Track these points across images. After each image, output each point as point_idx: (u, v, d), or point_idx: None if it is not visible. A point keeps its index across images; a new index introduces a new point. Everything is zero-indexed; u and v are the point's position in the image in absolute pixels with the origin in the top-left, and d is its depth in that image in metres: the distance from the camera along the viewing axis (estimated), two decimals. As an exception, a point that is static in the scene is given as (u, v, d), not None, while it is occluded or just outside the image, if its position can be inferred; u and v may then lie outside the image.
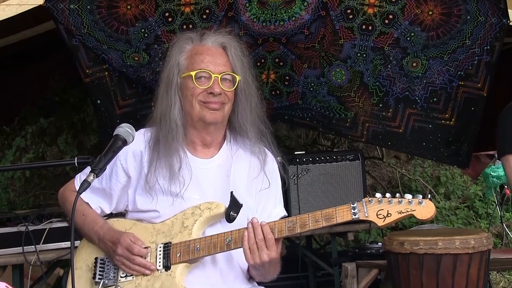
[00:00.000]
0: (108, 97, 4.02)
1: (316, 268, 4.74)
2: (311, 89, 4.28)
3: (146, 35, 3.82)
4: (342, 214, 2.43)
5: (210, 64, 2.59)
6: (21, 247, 3.79)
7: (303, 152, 4.55)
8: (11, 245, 3.87)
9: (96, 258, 2.64)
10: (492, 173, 4.91)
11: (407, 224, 6.10)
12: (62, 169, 6.50)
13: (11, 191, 6.60)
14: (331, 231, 4.37)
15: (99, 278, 2.60)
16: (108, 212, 2.73)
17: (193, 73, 2.58)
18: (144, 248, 2.55)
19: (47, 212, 3.99)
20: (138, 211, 2.65)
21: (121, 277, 2.59)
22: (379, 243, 3.79)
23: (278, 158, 2.80)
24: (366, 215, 2.42)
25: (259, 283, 2.74)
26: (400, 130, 4.26)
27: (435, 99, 4.12)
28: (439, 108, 4.14)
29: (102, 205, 2.71)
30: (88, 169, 2.40)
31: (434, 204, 2.48)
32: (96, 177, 2.28)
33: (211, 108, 2.59)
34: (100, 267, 2.62)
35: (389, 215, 2.41)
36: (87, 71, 3.92)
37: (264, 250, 2.44)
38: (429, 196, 2.45)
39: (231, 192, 2.56)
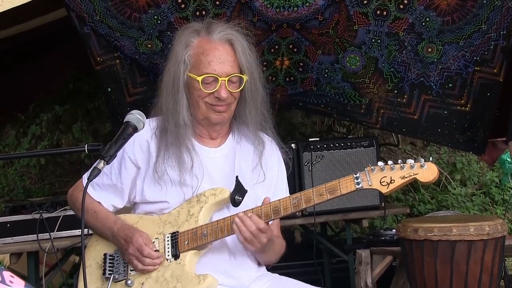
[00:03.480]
0: (119, 84, 4.03)
1: (331, 255, 4.73)
2: (325, 75, 4.26)
3: (159, 22, 3.82)
4: (346, 185, 2.43)
5: (217, 66, 2.55)
6: (36, 235, 3.83)
7: (318, 138, 4.53)
8: (26, 232, 3.91)
9: (105, 254, 2.65)
10: (508, 159, 4.88)
11: (422, 210, 6.08)
12: (77, 157, 6.53)
13: (27, 179, 6.64)
14: (345, 218, 4.36)
15: (109, 273, 2.62)
16: (121, 207, 2.74)
17: (199, 78, 2.55)
18: (155, 251, 2.56)
19: (61, 199, 4.02)
20: (147, 203, 2.66)
21: (131, 270, 2.61)
22: (393, 230, 3.78)
23: (279, 144, 2.79)
24: (370, 184, 2.42)
25: (270, 269, 2.76)
26: (415, 117, 4.24)
27: (450, 85, 4.09)
28: (454, 94, 4.11)
29: (114, 202, 2.72)
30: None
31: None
32: (107, 164, 2.28)
33: (217, 110, 2.60)
34: (109, 262, 2.63)
35: (392, 181, 2.41)
36: (98, 59, 3.93)
37: (260, 235, 2.46)
38: (430, 158, 2.44)
39: (236, 177, 2.57)
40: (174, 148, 2.60)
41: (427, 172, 2.40)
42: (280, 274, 2.75)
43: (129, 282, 2.58)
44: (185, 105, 2.60)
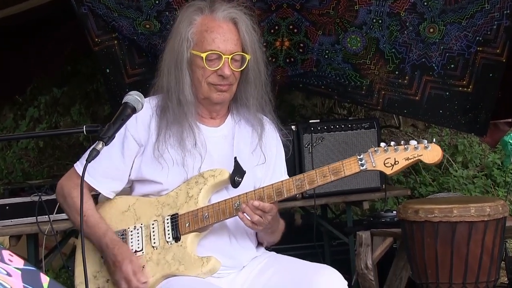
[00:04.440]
0: (117, 66, 4.02)
1: (331, 238, 4.75)
2: (326, 56, 4.25)
3: (157, 2, 3.81)
4: (350, 166, 2.45)
5: (221, 44, 2.56)
6: (35, 217, 3.83)
7: (318, 120, 4.53)
8: (25, 215, 3.91)
9: None
10: (511, 141, 4.88)
11: (424, 193, 6.09)
12: (75, 140, 6.54)
13: (25, 162, 6.65)
14: (346, 200, 4.37)
15: None
16: (120, 189, 2.70)
17: (203, 55, 2.55)
18: (143, 283, 2.51)
19: (60, 182, 4.03)
20: (143, 182, 2.64)
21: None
22: (394, 212, 3.81)
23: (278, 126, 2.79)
24: (374, 165, 2.44)
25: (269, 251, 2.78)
26: (417, 98, 4.23)
27: (452, 66, 4.07)
28: (456, 75, 4.10)
29: (113, 187, 2.67)
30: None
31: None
32: (105, 145, 2.25)
33: (219, 90, 2.60)
34: None
35: (396, 162, 2.42)
36: (96, 39, 3.93)
37: (266, 215, 2.49)
38: (434, 140, 2.46)
39: (235, 158, 2.58)
40: (176, 127, 2.59)
41: (431, 153, 2.42)
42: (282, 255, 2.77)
43: None
44: (188, 83, 2.60)
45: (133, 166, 2.65)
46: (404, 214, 3.32)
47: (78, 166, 2.65)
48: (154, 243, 2.58)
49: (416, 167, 6.35)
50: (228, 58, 2.56)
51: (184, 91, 2.59)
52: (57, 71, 6.35)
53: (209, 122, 2.70)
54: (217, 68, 2.56)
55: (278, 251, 2.80)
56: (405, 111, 4.38)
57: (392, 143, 2.46)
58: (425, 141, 2.44)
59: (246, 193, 2.52)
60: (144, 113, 2.58)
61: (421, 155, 2.42)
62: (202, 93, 2.62)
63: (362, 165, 2.44)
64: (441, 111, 4.22)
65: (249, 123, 2.72)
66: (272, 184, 2.51)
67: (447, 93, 4.15)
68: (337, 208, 5.79)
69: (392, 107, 4.38)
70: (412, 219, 3.28)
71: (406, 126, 6.88)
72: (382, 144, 2.45)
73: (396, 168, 2.43)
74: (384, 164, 2.43)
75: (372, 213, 4.08)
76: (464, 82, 4.09)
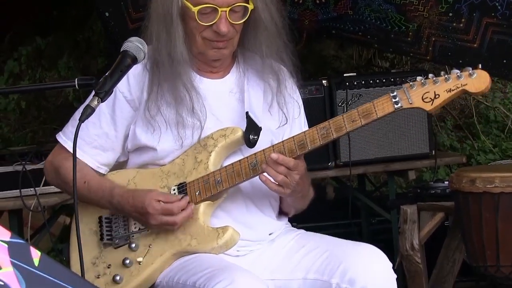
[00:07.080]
0: (118, 8, 4.01)
1: (371, 214, 4.79)
2: (364, -5, 4.25)
3: None
4: (382, 106, 2.48)
5: None
6: (18, 190, 3.85)
7: (354, 74, 4.53)
8: (6, 187, 3.95)
9: (100, 218, 2.69)
10: None
11: (482, 161, 6.08)
12: (64, 99, 6.56)
13: (5, 126, 6.69)
14: (388, 169, 4.39)
15: (108, 239, 2.67)
16: (113, 163, 2.73)
17: (195, 9, 2.54)
18: (182, 197, 2.57)
19: (47, 148, 4.05)
20: (137, 152, 2.67)
21: (134, 232, 2.65)
22: (446, 182, 3.81)
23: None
24: (410, 102, 2.47)
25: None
26: (475, 45, 4.22)
27: (521, 4, 4.06)
28: (526, 16, 4.08)
29: (104, 159, 2.70)
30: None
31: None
32: (102, 101, 2.26)
33: (216, 46, 2.60)
34: (106, 226, 2.67)
35: (437, 96, 2.46)
36: (91, -24, 3.94)
37: (291, 173, 2.50)
38: (479, 66, 2.49)
39: (247, 113, 2.60)
40: (169, 84, 2.60)
41: (477, 81, 2.46)
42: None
43: (133, 245, 2.62)
44: (181, 36, 2.59)
45: (129, 133, 2.68)
46: (458, 184, 3.33)
47: (61, 137, 2.70)
48: None
49: (474, 131, 6.33)
50: (226, 11, 2.54)
51: (176, 47, 2.58)
52: (41, 17, 6.36)
53: (210, 75, 2.71)
54: (212, 22, 2.55)
55: (307, 229, 2.83)
56: (461, 61, 4.36)
57: (431, 75, 2.48)
58: (470, 68, 2.46)
59: (263, 149, 2.54)
60: (136, 68, 2.55)
61: (465, 84, 2.45)
62: (196, 48, 2.62)
63: (396, 103, 2.47)
64: (505, 61, 4.21)
65: (260, 75, 2.71)
66: (292, 137, 2.54)
67: (514, 39, 4.13)
68: (377, 179, 5.81)
69: (444, 57, 4.38)
70: (467, 190, 3.28)
71: (461, 80, 6.83)
72: (419, 78, 2.48)
73: (437, 102, 2.46)
74: (423, 99, 2.46)
75: (419, 184, 4.09)
76: (536, 24, 4.07)
